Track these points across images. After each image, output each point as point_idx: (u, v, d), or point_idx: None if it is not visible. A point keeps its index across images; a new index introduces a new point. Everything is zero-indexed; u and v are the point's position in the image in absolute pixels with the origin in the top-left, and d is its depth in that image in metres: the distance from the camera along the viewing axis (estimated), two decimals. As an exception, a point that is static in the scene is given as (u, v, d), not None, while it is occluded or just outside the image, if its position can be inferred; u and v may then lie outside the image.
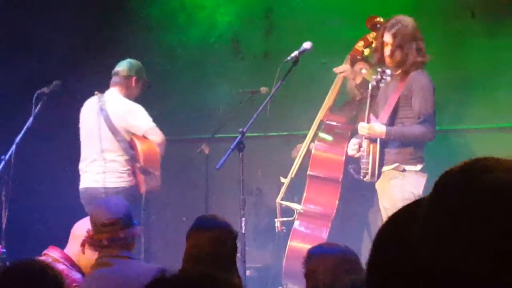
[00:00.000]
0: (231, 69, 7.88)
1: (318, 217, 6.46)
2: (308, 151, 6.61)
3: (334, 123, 6.63)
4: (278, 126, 7.51)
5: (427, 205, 1.10)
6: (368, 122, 5.91)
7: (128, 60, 6.82)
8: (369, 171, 5.92)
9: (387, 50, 5.93)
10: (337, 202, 6.43)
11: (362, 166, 5.97)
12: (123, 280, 3.93)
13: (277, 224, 6.57)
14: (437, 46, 6.66)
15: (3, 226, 6.15)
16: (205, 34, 7.93)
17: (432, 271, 1.04)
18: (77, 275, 4.40)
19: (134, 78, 6.74)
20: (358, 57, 6.60)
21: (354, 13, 7.30)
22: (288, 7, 7.76)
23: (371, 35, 6.49)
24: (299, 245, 6.32)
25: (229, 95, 7.53)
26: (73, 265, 4.44)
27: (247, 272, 5.91)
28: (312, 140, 6.63)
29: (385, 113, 5.94)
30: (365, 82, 6.40)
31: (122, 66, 6.76)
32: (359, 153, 6.02)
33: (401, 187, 5.78)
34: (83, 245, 4.42)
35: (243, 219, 5.57)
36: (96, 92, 6.84)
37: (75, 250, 4.46)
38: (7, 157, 6.24)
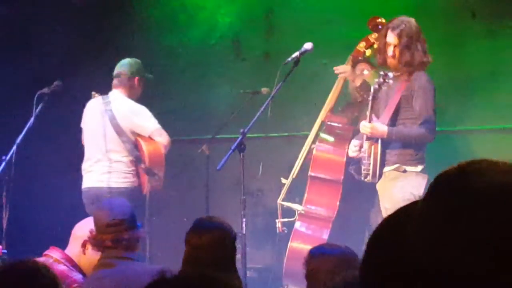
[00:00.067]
0: (232, 70, 7.88)
1: (319, 218, 6.46)
2: (310, 152, 6.62)
3: (336, 124, 6.63)
4: (278, 126, 7.50)
5: (423, 206, 1.10)
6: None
7: (128, 60, 6.81)
8: (370, 172, 5.93)
9: (390, 51, 5.93)
10: (338, 203, 6.43)
11: (363, 167, 5.97)
12: (125, 281, 3.93)
13: (278, 224, 6.57)
14: (438, 46, 6.65)
15: (4, 226, 6.15)
16: (206, 34, 7.93)
17: (431, 271, 1.04)
18: (77, 276, 4.40)
19: (136, 78, 6.75)
20: (360, 58, 6.59)
21: (355, 14, 7.30)
22: (289, 8, 7.75)
23: (373, 36, 6.48)
24: (299, 246, 6.32)
25: (229, 96, 7.53)
26: (74, 265, 4.44)
27: (248, 273, 5.91)
28: (314, 141, 6.63)
29: (386, 114, 5.94)
30: (365, 85, 6.40)
31: (124, 67, 6.75)
32: (360, 154, 6.03)
33: (402, 187, 5.78)
34: (84, 245, 4.43)
35: (244, 219, 5.58)
36: (93, 93, 6.85)
37: (76, 250, 4.46)
38: (8, 157, 6.23)
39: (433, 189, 1.11)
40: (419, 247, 1.06)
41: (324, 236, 6.38)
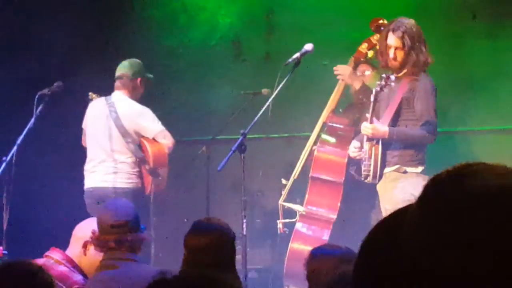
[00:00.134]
0: (232, 71, 7.88)
1: (320, 219, 6.45)
2: (311, 153, 6.61)
3: (337, 125, 6.63)
4: (279, 127, 7.50)
5: (418, 208, 1.10)
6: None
7: (129, 61, 6.82)
8: (371, 172, 5.93)
9: (391, 53, 5.93)
10: (339, 204, 6.42)
11: (363, 168, 5.97)
12: (128, 282, 3.92)
13: (279, 225, 6.57)
14: (438, 47, 6.65)
15: (4, 227, 6.15)
16: (206, 35, 7.92)
17: (430, 272, 1.04)
18: (78, 277, 4.39)
19: (139, 79, 6.77)
20: (362, 59, 6.59)
21: (355, 15, 7.30)
22: (289, 9, 7.75)
23: (375, 37, 6.47)
24: (300, 247, 6.32)
25: (230, 97, 7.52)
26: (75, 266, 4.44)
27: (248, 274, 5.91)
28: (315, 142, 6.63)
29: (387, 115, 5.94)
30: (364, 88, 6.40)
31: (126, 68, 6.77)
32: (361, 155, 6.02)
33: (402, 188, 5.78)
34: (84, 246, 4.42)
35: (244, 220, 5.58)
36: (90, 94, 6.86)
37: (76, 251, 4.46)
38: (8, 158, 6.23)
39: (429, 191, 1.11)
40: (417, 249, 1.06)
41: (324, 237, 6.37)
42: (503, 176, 1.08)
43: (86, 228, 4.43)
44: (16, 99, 7.07)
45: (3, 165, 6.20)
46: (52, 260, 4.37)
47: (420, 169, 5.89)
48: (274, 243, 6.96)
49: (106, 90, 6.86)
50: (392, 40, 5.91)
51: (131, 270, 4.05)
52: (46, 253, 4.49)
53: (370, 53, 6.53)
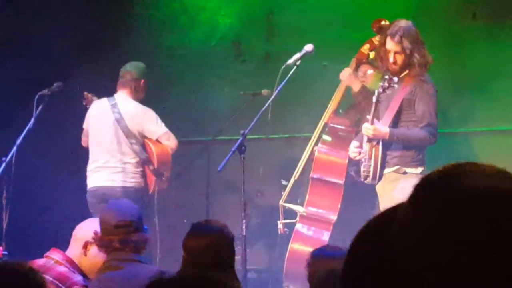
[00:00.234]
0: (232, 71, 7.87)
1: (320, 220, 6.45)
2: (312, 154, 6.61)
3: (338, 126, 6.63)
4: (279, 128, 7.49)
5: (409, 208, 1.10)
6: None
7: (133, 62, 6.87)
8: (371, 173, 5.93)
9: (391, 57, 5.93)
10: (339, 205, 6.42)
11: (363, 169, 5.97)
12: (133, 283, 3.90)
13: (280, 226, 6.57)
14: (438, 47, 6.65)
15: (4, 228, 6.15)
16: (206, 36, 7.92)
17: (424, 273, 1.04)
18: (78, 277, 4.39)
19: (142, 80, 6.79)
20: (364, 60, 6.59)
21: (356, 15, 7.29)
22: (289, 9, 7.74)
23: (377, 38, 6.46)
24: (300, 248, 6.32)
25: (230, 97, 7.52)
26: (75, 267, 4.43)
27: (248, 274, 5.91)
28: (316, 143, 6.63)
29: (388, 117, 5.94)
30: (363, 90, 6.40)
31: (130, 69, 6.80)
32: (360, 156, 6.02)
33: (402, 189, 5.78)
34: (85, 246, 4.42)
35: (244, 221, 5.58)
36: (85, 93, 6.87)
37: (77, 252, 4.45)
38: (8, 158, 6.23)
39: (421, 190, 1.10)
40: (410, 248, 1.06)
41: (324, 238, 6.37)
42: (494, 176, 1.08)
43: (86, 229, 4.43)
44: (16, 99, 7.07)
45: (3, 165, 6.21)
46: (52, 260, 4.37)
47: (420, 170, 5.90)
48: (274, 244, 6.96)
49: (106, 90, 6.86)
50: (391, 45, 5.92)
51: (135, 271, 4.04)
52: (46, 254, 4.49)
53: (372, 54, 6.53)
